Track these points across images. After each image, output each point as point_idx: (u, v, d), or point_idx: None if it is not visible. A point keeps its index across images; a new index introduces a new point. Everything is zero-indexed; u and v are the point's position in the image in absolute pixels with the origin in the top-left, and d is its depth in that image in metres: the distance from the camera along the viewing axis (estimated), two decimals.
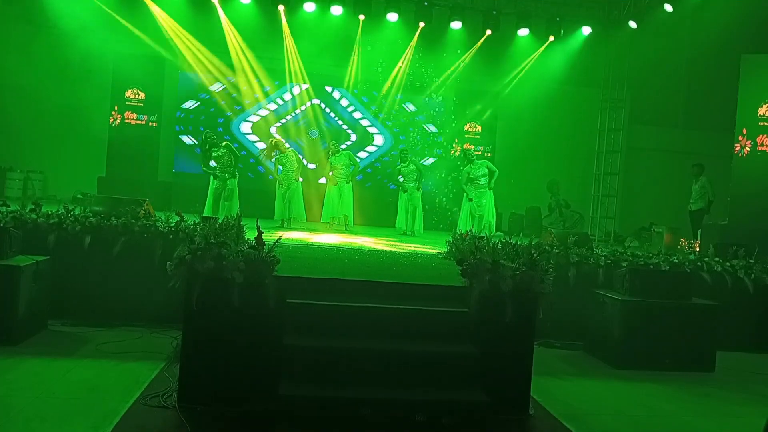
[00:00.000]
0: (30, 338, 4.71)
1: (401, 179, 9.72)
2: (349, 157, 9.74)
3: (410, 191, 9.64)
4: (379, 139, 12.83)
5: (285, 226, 9.14)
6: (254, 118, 12.38)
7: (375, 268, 4.84)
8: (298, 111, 12.48)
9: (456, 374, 3.58)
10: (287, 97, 12.46)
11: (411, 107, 12.78)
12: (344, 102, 12.69)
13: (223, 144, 8.96)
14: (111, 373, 4.16)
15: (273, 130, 12.27)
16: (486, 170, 9.32)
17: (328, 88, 12.61)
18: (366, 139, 12.71)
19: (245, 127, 12.36)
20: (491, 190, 9.32)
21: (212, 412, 3.54)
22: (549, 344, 5.56)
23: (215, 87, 12.22)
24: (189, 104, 12.21)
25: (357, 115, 12.74)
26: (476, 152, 12.53)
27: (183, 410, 3.53)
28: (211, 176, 8.84)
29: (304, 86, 12.40)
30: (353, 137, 12.56)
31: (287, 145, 9.70)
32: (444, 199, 12.13)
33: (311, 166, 12.34)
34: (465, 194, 9.34)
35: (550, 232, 7.11)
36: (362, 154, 12.43)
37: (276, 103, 12.46)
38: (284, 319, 3.67)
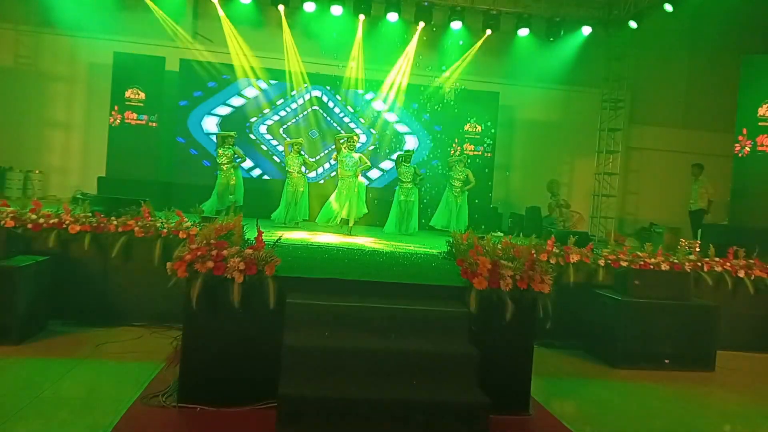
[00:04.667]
0: (30, 338, 4.71)
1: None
2: (360, 158, 9.54)
3: (406, 190, 9.73)
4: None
5: (288, 226, 9.16)
6: (254, 119, 12.37)
7: (375, 268, 4.84)
8: (297, 111, 12.48)
9: (456, 374, 3.58)
10: (287, 97, 12.45)
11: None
12: (344, 102, 12.68)
13: (234, 147, 9.82)
14: (111, 373, 4.16)
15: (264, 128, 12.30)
16: (466, 176, 10.21)
17: (328, 88, 12.59)
18: (365, 139, 12.72)
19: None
20: (465, 192, 10.22)
21: (212, 412, 3.54)
22: (549, 344, 5.54)
23: (215, 86, 12.24)
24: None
25: (355, 115, 12.74)
26: (476, 152, 12.64)
27: (183, 410, 3.54)
28: (218, 171, 9.73)
29: (304, 86, 12.40)
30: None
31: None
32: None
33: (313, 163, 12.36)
34: (446, 188, 10.33)
35: (549, 232, 7.11)
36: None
37: (276, 103, 12.45)
38: (284, 319, 3.67)
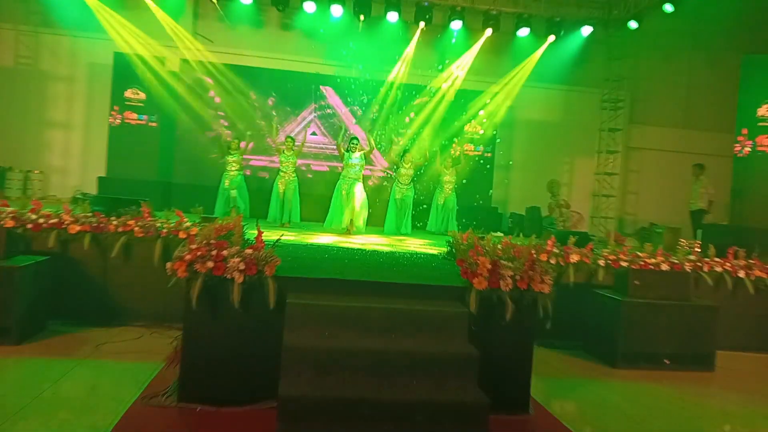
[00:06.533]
0: (30, 338, 4.71)
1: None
2: (362, 156, 9.21)
3: (402, 189, 9.73)
4: None
5: (280, 226, 9.14)
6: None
7: (375, 268, 4.83)
8: (297, 111, 12.48)
9: (456, 374, 3.58)
10: (286, 97, 12.45)
11: None
12: (344, 101, 12.67)
13: (239, 151, 10.04)
14: (111, 373, 4.16)
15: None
16: (454, 178, 10.51)
17: (328, 88, 12.59)
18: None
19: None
20: (454, 192, 10.52)
21: (212, 412, 3.54)
22: (549, 344, 5.55)
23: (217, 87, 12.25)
24: None
25: (356, 114, 12.74)
26: (476, 152, 12.65)
27: (183, 410, 3.54)
28: (223, 175, 9.87)
29: (304, 86, 12.39)
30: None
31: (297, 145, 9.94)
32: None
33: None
34: (436, 190, 10.56)
35: (549, 232, 7.11)
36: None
37: (275, 104, 12.45)
38: (284, 319, 3.66)
